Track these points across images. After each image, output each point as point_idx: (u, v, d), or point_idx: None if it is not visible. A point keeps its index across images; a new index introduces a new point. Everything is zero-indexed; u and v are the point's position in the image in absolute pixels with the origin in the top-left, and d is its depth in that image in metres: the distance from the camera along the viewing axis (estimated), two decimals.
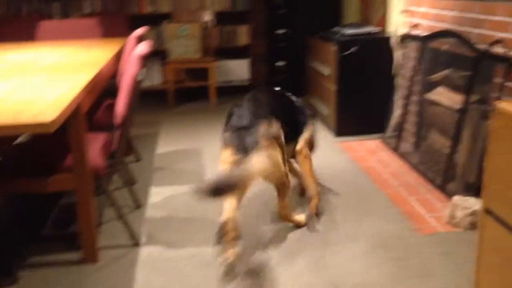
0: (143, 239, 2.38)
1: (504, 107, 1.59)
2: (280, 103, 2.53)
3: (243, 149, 2.08)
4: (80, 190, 2.13)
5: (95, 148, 2.33)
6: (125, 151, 3.31)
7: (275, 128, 2.20)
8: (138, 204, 2.73)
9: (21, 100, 1.90)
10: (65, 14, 5.04)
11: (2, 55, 3.03)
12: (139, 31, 3.10)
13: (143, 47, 2.32)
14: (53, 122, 1.67)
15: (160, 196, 2.86)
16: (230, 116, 2.30)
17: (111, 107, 3.23)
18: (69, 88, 2.10)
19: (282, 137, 2.24)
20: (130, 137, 3.35)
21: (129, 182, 2.82)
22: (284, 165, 2.23)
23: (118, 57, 3.19)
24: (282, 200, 2.32)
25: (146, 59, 2.28)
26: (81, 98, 2.08)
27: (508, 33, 2.31)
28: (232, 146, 2.13)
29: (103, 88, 2.93)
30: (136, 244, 2.32)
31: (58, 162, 2.20)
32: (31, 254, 2.26)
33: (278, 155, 2.16)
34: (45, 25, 3.92)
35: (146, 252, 2.26)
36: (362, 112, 3.78)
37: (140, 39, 3.02)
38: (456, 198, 2.38)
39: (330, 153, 3.46)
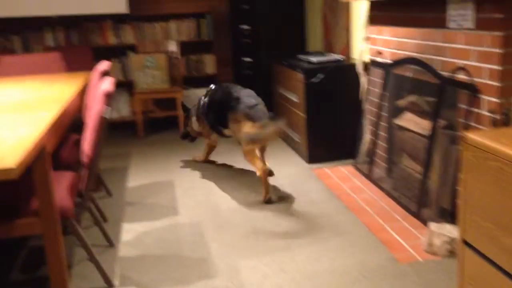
0: (116, 281, 2.29)
1: (472, 137, 1.62)
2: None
3: (260, 119, 3.16)
4: (47, 233, 2.04)
5: (62, 188, 2.26)
6: (94, 188, 3.22)
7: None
8: (110, 243, 2.65)
9: None
10: (27, 48, 4.94)
11: None
12: (103, 65, 3.05)
13: (107, 84, 2.28)
14: (17, 167, 1.60)
15: (132, 233, 2.79)
16: (221, 97, 3.45)
17: (78, 143, 3.15)
18: (33, 127, 2.03)
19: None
20: (99, 172, 3.27)
21: (100, 219, 2.74)
22: None
23: (83, 91, 3.13)
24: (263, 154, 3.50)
25: (111, 96, 2.24)
26: (46, 138, 2.01)
27: (470, 60, 2.39)
28: (255, 118, 3.16)
29: (68, 124, 2.86)
30: (110, 286, 2.24)
31: (22, 204, 2.11)
32: None
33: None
34: (6, 60, 3.82)
35: None
36: (333, 139, 3.81)
37: (104, 73, 2.98)
38: (433, 225, 2.40)
39: (304, 181, 3.46)
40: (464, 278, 1.74)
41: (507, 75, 2.20)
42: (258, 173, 3.14)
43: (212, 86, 3.62)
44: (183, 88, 5.12)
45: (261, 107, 3.25)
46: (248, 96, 3.28)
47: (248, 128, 3.15)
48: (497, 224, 1.54)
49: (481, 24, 2.29)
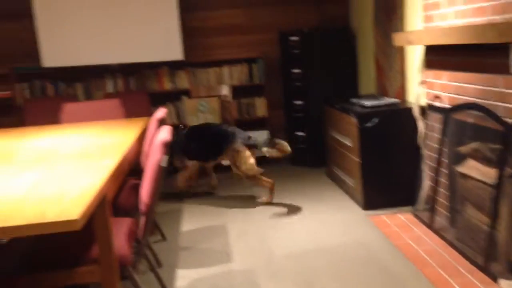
0: None
1: None
2: None
3: (255, 147, 3.98)
4: (106, 281, 2.06)
5: (120, 235, 2.29)
6: (150, 233, 3.26)
7: None
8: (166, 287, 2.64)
9: (46, 195, 1.88)
10: (88, 95, 5.18)
11: (27, 141, 3.08)
12: (160, 113, 3.14)
13: (165, 134, 2.33)
14: (80, 218, 1.64)
15: (186, 280, 2.77)
16: (208, 136, 4.15)
17: (135, 187, 3.22)
18: (95, 176, 2.09)
19: None
20: (155, 218, 3.31)
21: (155, 265, 2.75)
22: None
23: (141, 137, 3.22)
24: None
25: (168, 145, 2.28)
26: (108, 187, 2.06)
27: None
28: (253, 146, 3.98)
29: (127, 171, 2.93)
30: None
31: (83, 252, 2.15)
32: None
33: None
34: (69, 107, 4.00)
35: None
36: (389, 184, 3.70)
37: (162, 121, 3.06)
38: (504, 283, 2.24)
39: (359, 228, 3.35)
40: None
41: None
42: (267, 185, 3.99)
43: (182, 126, 4.44)
44: None
45: (255, 137, 4.09)
46: (240, 131, 4.03)
47: (248, 156, 3.93)
48: None
49: None
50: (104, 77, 5.19)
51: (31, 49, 5.03)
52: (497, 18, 2.55)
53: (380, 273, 2.69)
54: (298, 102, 5.07)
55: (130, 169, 3.31)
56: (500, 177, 2.49)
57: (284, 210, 3.84)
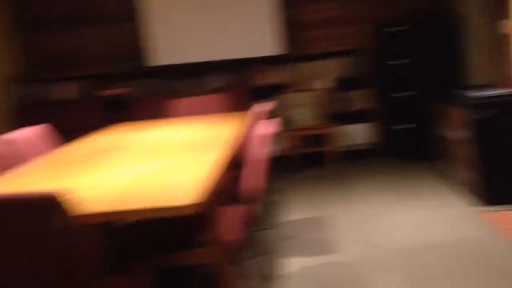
0: None
1: None
2: None
3: None
4: (217, 264, 2.18)
5: (230, 222, 2.40)
6: (257, 222, 3.37)
7: None
8: (272, 276, 2.71)
9: (163, 182, 2.03)
10: (191, 91, 5.44)
11: (140, 134, 3.32)
12: (264, 106, 3.22)
13: (270, 126, 2.39)
14: (196, 204, 1.75)
15: (293, 268, 2.82)
16: None
17: (239, 179, 3.34)
18: (205, 167, 2.21)
19: None
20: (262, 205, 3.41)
21: (263, 251, 2.84)
22: None
23: (244, 130, 3.33)
24: None
25: (271, 138, 2.34)
26: (217, 176, 2.17)
27: None
28: None
29: (232, 163, 3.05)
30: None
31: (195, 236, 2.28)
32: None
33: None
34: (175, 103, 4.24)
35: None
36: (505, 179, 3.44)
37: (265, 114, 3.14)
38: None
39: (470, 226, 3.18)
40: None
41: None
42: None
43: None
44: (336, 124, 5.16)
45: None
46: None
47: None
48: None
49: None
50: (207, 74, 5.42)
51: (139, 48, 5.39)
52: None
53: (494, 274, 2.54)
54: (399, 94, 4.92)
55: (234, 161, 3.44)
56: None
57: (390, 204, 3.76)
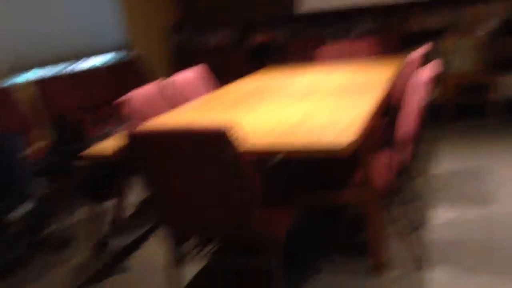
0: (428, 261, 2.33)
1: None
2: None
3: None
4: (367, 206, 2.23)
5: (382, 165, 2.41)
6: (406, 170, 3.33)
7: None
8: (421, 223, 2.70)
9: (317, 124, 2.10)
10: (340, 36, 5.38)
11: (290, 78, 3.42)
12: (421, 50, 3.08)
13: (428, 71, 2.30)
14: (350, 146, 1.79)
15: (441, 219, 2.76)
16: None
17: (392, 124, 3.29)
18: (359, 110, 2.23)
19: None
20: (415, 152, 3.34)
21: (411, 199, 2.82)
22: None
23: (396, 75, 3.23)
24: None
25: (433, 82, 2.25)
26: (370, 120, 2.18)
27: None
28: None
29: (383, 108, 3.01)
30: (421, 264, 2.30)
31: (347, 177, 2.35)
32: (322, 258, 2.46)
33: None
34: (323, 48, 4.24)
35: (432, 275, 2.21)
36: None
37: (423, 59, 3.00)
38: None
39: None
40: None
41: None
42: None
43: None
44: (496, 73, 4.73)
45: None
46: None
47: None
48: None
49: None
50: (356, 19, 5.29)
51: None
52: None
53: None
54: None
55: (386, 106, 3.39)
56: None
57: None
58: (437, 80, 2.04)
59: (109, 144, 2.12)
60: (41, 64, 4.28)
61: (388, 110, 3.26)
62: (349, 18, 5.30)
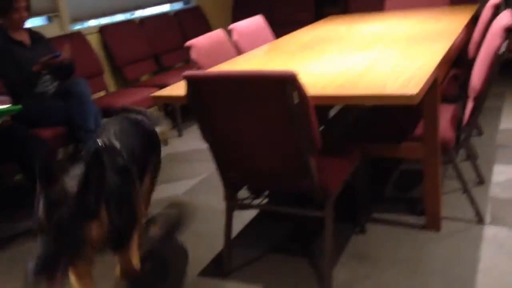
0: (487, 217, 2.29)
1: None
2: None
3: None
4: (428, 160, 2.19)
5: (445, 120, 2.34)
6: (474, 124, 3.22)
7: None
8: (481, 180, 2.63)
9: (383, 72, 2.06)
10: None
11: (356, 27, 3.32)
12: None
13: (506, 19, 2.16)
14: (417, 95, 1.75)
15: (504, 176, 2.68)
16: None
17: (457, 77, 3.15)
18: (427, 60, 2.15)
19: None
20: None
21: (472, 156, 2.74)
22: None
23: (470, 25, 3.06)
24: None
25: (511, 31, 2.11)
26: (439, 69, 2.10)
27: None
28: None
29: (453, 59, 2.88)
30: (480, 221, 2.26)
31: (408, 130, 2.31)
32: (376, 211, 2.48)
33: None
34: None
35: (491, 231, 2.18)
36: None
37: (497, 7, 2.81)
38: None
39: None
40: None
41: None
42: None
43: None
44: None
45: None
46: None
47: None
48: None
49: None
50: None
51: None
52: None
53: None
54: None
55: (455, 58, 3.24)
56: None
57: None
58: (510, 31, 1.87)
59: (182, 86, 2.14)
60: (107, 12, 4.40)
61: (461, 60, 3.11)
62: None
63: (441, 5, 3.86)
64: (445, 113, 2.44)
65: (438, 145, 2.18)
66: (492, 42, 2.14)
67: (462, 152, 2.96)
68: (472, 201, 2.28)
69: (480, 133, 3.30)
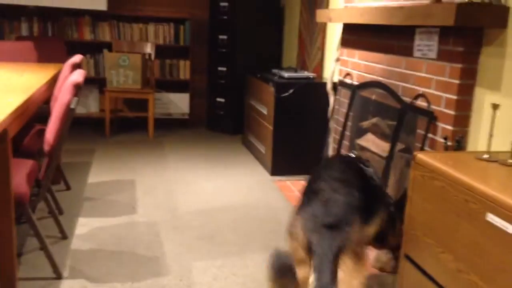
0: (66, 272, 2.28)
1: (421, 158, 1.71)
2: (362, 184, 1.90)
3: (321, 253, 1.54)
4: (1, 218, 2.03)
5: (20, 174, 2.24)
6: (53, 180, 3.20)
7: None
8: (64, 235, 2.63)
9: None
10: (0, 36, 4.88)
11: None
12: (75, 58, 3.06)
13: (77, 75, 2.30)
14: None
15: (87, 228, 2.77)
16: (311, 190, 1.74)
17: (41, 133, 3.13)
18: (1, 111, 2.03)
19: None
20: (60, 165, 3.24)
21: (56, 211, 2.72)
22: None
23: (52, 82, 3.12)
24: None
25: (80, 88, 2.25)
26: (8, 123, 2.01)
27: (430, 89, 2.51)
28: (305, 242, 1.60)
29: (33, 114, 2.84)
30: (58, 277, 2.22)
31: None
32: None
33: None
34: None
35: (68, 285, 2.17)
36: (297, 153, 3.89)
37: (76, 66, 2.98)
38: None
39: (265, 192, 3.51)
40: None
41: (462, 105, 2.32)
42: None
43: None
44: (155, 91, 5.14)
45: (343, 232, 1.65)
46: (328, 202, 1.72)
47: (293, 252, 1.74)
48: (436, 240, 1.63)
49: (443, 55, 2.42)
50: (19, 19, 4.91)
51: None
52: (406, 2, 2.74)
53: (275, 228, 2.85)
54: (222, 69, 5.11)
55: (38, 114, 3.21)
56: (392, 150, 2.72)
57: (196, 171, 3.92)
58: (79, 87, 2.01)
59: None
60: None
61: (42, 118, 3.10)
62: (14, 17, 4.87)
63: (28, 61, 3.83)
64: (23, 168, 2.35)
65: (11, 202, 2.04)
66: (63, 97, 2.21)
67: (45, 208, 2.91)
68: (50, 257, 2.23)
69: (68, 188, 3.35)
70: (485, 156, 1.73)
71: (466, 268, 1.49)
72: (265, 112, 4.02)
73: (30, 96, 2.43)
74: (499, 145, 2.03)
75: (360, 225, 1.62)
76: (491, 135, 1.73)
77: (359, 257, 1.54)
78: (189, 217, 3.00)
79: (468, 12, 2.09)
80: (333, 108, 3.70)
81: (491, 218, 1.38)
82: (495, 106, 1.71)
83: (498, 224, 1.36)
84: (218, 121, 5.23)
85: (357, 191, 1.71)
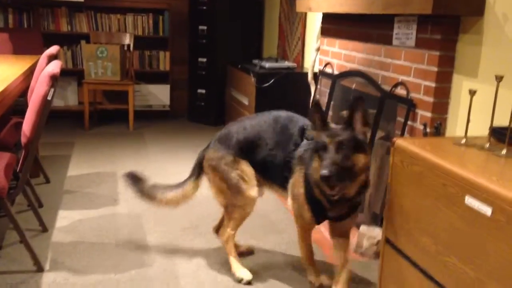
0: (47, 265, 2.25)
1: (400, 144, 1.74)
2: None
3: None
4: None
5: None
6: (31, 172, 3.15)
7: None
8: (44, 228, 2.60)
9: None
10: None
11: None
12: (52, 49, 3.01)
13: (54, 66, 2.26)
14: None
15: (68, 220, 2.74)
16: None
17: (19, 126, 3.07)
18: None
19: None
20: (38, 158, 3.20)
21: (35, 204, 2.68)
22: None
23: (28, 74, 3.06)
24: None
25: (57, 79, 2.21)
26: None
27: (409, 76, 2.53)
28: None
29: (10, 106, 2.79)
30: (39, 269, 2.20)
31: None
32: None
33: None
34: None
35: (50, 278, 2.15)
36: None
37: (52, 57, 2.93)
38: (363, 228, 2.51)
39: None
40: (384, 275, 1.84)
41: (440, 92, 2.35)
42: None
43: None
44: (134, 82, 5.09)
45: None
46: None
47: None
48: (417, 225, 1.65)
49: (421, 43, 2.44)
50: None
51: None
52: None
53: (256, 215, 2.86)
54: (202, 60, 5.08)
55: (15, 107, 3.15)
56: (372, 138, 2.75)
57: (177, 163, 3.90)
58: (55, 78, 1.99)
59: None
60: None
61: (19, 110, 3.05)
62: None
63: (3, 53, 3.75)
64: (0, 161, 2.31)
65: None
66: (40, 88, 2.17)
67: (25, 202, 2.87)
68: (30, 250, 2.20)
69: (47, 181, 3.30)
70: (463, 141, 1.76)
71: (446, 251, 1.52)
72: (246, 102, 4.02)
73: (5, 88, 2.39)
74: (476, 131, 2.07)
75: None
76: (468, 121, 1.76)
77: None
78: (173, 208, 2.99)
79: (445, 1, 2.11)
80: (314, 97, 3.71)
81: (470, 201, 1.41)
82: (472, 92, 1.73)
83: (476, 207, 1.39)
84: (199, 113, 5.20)
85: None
